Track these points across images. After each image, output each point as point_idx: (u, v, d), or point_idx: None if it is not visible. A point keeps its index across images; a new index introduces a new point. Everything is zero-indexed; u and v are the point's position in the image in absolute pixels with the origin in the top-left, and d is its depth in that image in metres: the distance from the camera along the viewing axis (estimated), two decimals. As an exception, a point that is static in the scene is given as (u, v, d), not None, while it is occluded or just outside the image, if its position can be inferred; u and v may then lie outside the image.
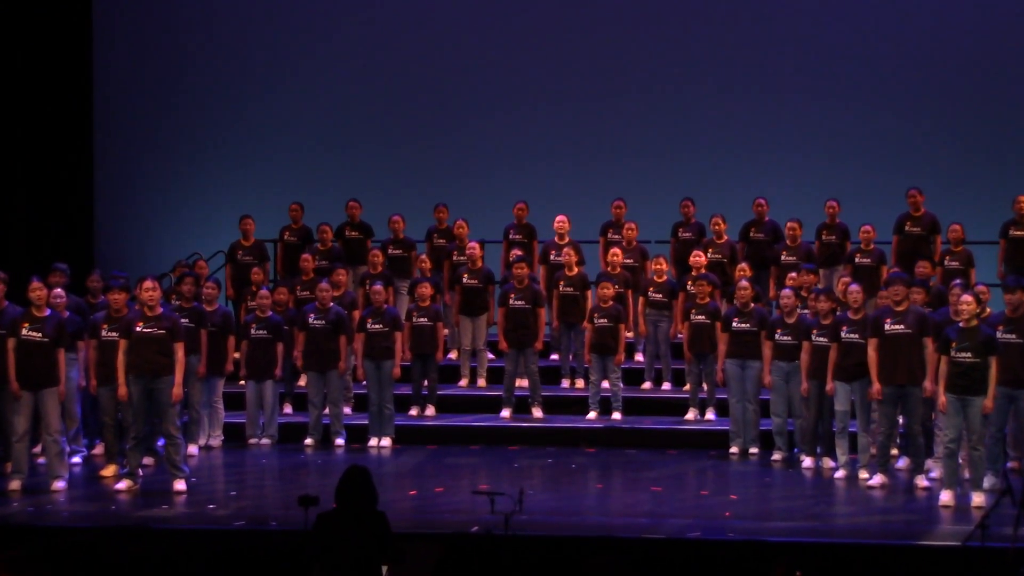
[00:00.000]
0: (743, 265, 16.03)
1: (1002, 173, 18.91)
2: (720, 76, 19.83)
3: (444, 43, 20.40)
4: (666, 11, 20.14)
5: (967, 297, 12.05)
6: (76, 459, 13.78)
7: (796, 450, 14.16)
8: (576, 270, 16.29)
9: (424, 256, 16.94)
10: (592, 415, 15.47)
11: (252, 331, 15.22)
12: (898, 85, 19.56)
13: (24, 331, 12.55)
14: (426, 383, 15.72)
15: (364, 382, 15.24)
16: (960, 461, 12.24)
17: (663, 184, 19.14)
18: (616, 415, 15.43)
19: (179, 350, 12.56)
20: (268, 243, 17.91)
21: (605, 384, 15.47)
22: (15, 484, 12.52)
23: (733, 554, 10.43)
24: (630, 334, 16.42)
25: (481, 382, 16.55)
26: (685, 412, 15.48)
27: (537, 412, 15.58)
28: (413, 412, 15.70)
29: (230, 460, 14.52)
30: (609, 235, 17.39)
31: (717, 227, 17.07)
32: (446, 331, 16.64)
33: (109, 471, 13.29)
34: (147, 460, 13.55)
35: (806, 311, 14.21)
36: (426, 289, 15.68)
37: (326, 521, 8.44)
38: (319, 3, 20.67)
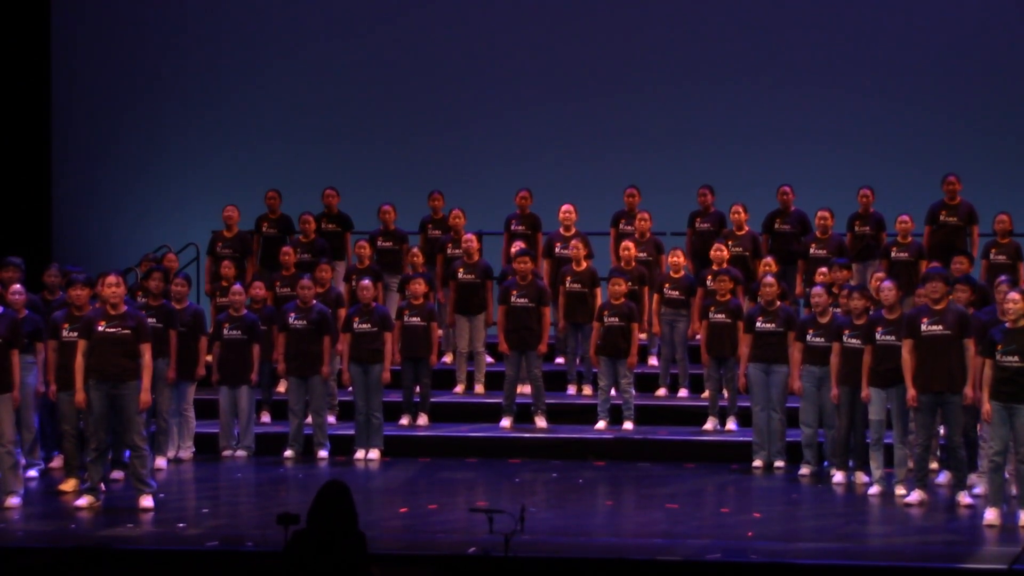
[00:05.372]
0: (767, 259, 16.04)
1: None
2: (741, 57, 19.86)
3: (439, 16, 20.40)
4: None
5: (1014, 295, 12.01)
6: (32, 472, 13.77)
7: (826, 463, 14.17)
8: (584, 264, 16.29)
9: (416, 249, 16.94)
10: (601, 425, 15.48)
11: (225, 331, 15.22)
12: (939, 62, 19.58)
13: (-27, 332, 12.54)
14: (418, 389, 15.73)
15: (350, 388, 15.24)
16: (1007, 476, 12.23)
17: (679, 170, 19.17)
18: (628, 425, 15.44)
19: (146, 352, 12.54)
20: (249, 234, 17.88)
21: (615, 391, 15.48)
22: (-35, 501, 12.54)
23: (756, 578, 10.47)
24: (643, 335, 16.42)
25: (479, 388, 16.56)
26: (704, 421, 15.48)
27: (541, 421, 15.58)
28: (404, 421, 15.71)
29: (202, 474, 14.52)
30: (620, 226, 17.41)
31: (738, 217, 17.08)
32: (440, 332, 16.65)
33: (69, 486, 13.28)
34: (118, 474, 13.57)
35: (838, 310, 14.22)
36: (419, 286, 15.67)
37: (299, 541, 8.44)
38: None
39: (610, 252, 17.21)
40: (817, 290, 14.24)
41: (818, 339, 13.98)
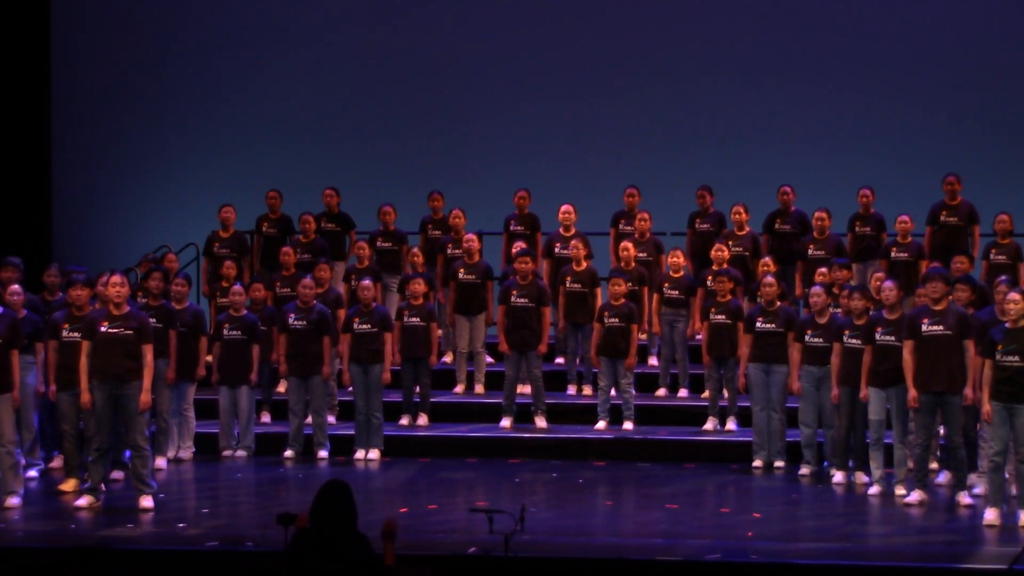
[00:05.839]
0: (767, 259, 16.04)
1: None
2: (741, 57, 19.87)
3: (439, 17, 20.40)
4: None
5: (1014, 295, 12.00)
6: (32, 472, 13.78)
7: (826, 463, 14.17)
8: (584, 265, 16.29)
9: (416, 250, 16.94)
10: (601, 425, 15.49)
11: (225, 332, 15.22)
12: (940, 62, 19.58)
13: (-27, 332, 12.54)
14: (418, 389, 15.73)
15: (350, 388, 15.25)
16: (1007, 476, 12.23)
17: (679, 170, 19.17)
18: (628, 425, 15.44)
19: (148, 352, 12.55)
20: (246, 234, 17.90)
21: (615, 391, 15.49)
22: (-34, 501, 12.54)
23: (756, 578, 10.47)
24: (643, 335, 16.43)
25: (479, 388, 16.56)
26: (704, 422, 15.49)
27: (541, 421, 15.59)
28: (404, 421, 15.71)
29: (202, 474, 14.52)
30: (620, 226, 17.41)
31: (738, 217, 17.08)
32: (440, 332, 16.65)
33: (69, 486, 13.29)
34: (117, 474, 13.57)
35: (838, 310, 14.22)
36: (419, 286, 15.67)
37: (301, 541, 8.44)
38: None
39: (610, 252, 17.22)
40: (816, 290, 14.24)
41: (817, 339, 13.98)
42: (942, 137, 19.37)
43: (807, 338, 14.04)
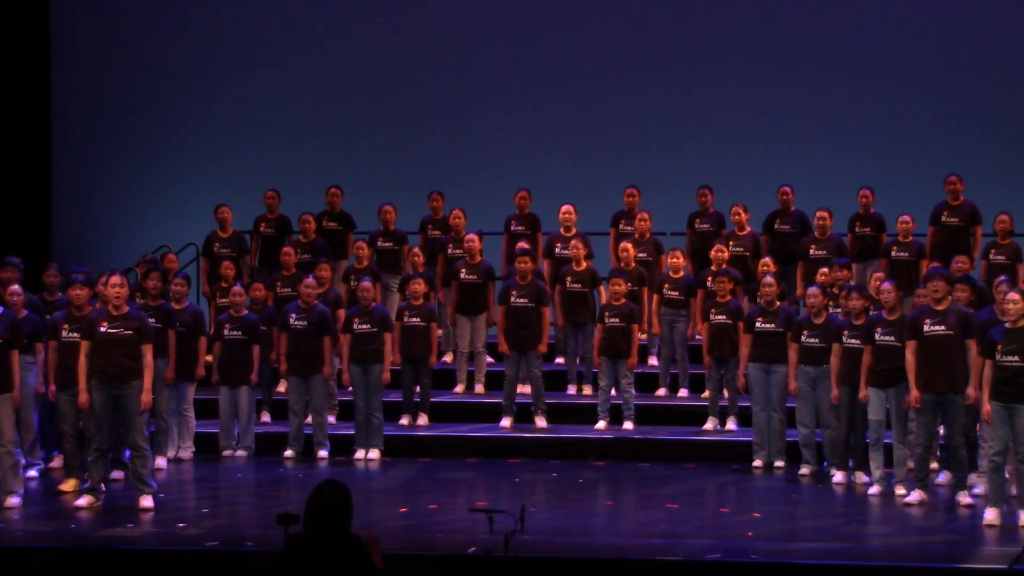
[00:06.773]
0: (767, 259, 16.04)
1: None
2: (741, 57, 19.86)
3: (439, 16, 20.40)
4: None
5: (1014, 295, 12.00)
6: (32, 472, 13.78)
7: (826, 463, 14.17)
8: (584, 265, 16.30)
9: (416, 249, 16.94)
10: (601, 425, 15.49)
11: (225, 332, 15.22)
12: (940, 62, 19.57)
13: (-27, 332, 12.54)
14: (418, 389, 15.73)
15: (350, 388, 15.25)
16: (1007, 476, 12.23)
17: (679, 170, 19.17)
18: (628, 425, 15.44)
19: (148, 353, 12.55)
20: (244, 234, 17.91)
21: (615, 391, 15.48)
22: (-34, 501, 12.54)
23: (756, 578, 10.47)
24: (643, 335, 16.43)
25: (479, 388, 16.56)
26: (704, 421, 15.49)
27: (541, 421, 15.59)
28: (404, 421, 15.71)
29: (202, 474, 14.52)
30: (620, 226, 17.41)
31: (738, 217, 17.09)
32: (440, 332, 16.65)
33: (69, 486, 13.29)
34: (117, 474, 13.57)
35: (837, 310, 14.22)
36: (419, 286, 15.67)
37: (297, 545, 8.42)
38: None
39: (610, 252, 17.22)
40: (812, 290, 14.23)
41: (813, 339, 13.98)
42: (942, 137, 19.38)
43: (803, 338, 14.05)
